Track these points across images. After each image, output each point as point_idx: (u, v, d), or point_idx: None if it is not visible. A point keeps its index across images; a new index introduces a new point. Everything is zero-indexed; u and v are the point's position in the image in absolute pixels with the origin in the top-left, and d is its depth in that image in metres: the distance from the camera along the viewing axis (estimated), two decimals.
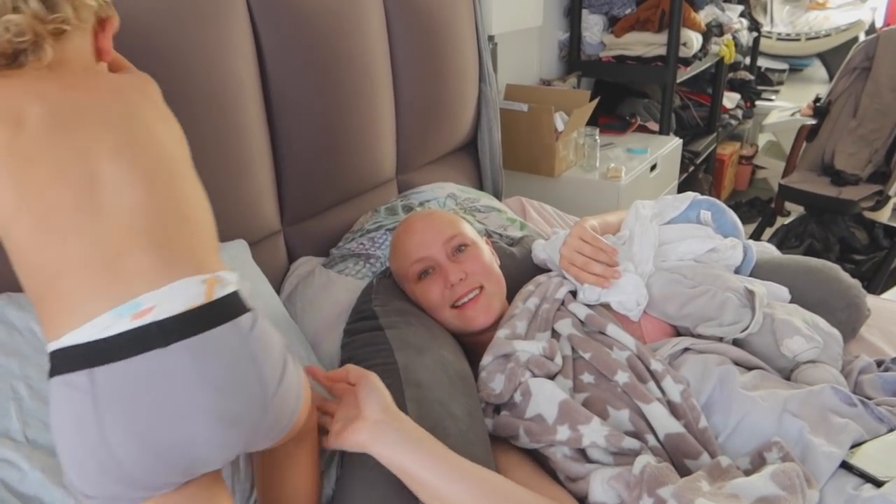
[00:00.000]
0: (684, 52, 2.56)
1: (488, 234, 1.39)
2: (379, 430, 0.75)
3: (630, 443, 0.83)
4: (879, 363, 1.02)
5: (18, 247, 0.64)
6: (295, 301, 1.26)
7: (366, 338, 1.03)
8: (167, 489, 0.65)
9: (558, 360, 0.96)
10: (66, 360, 0.61)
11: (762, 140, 3.96)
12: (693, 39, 2.58)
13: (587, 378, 0.94)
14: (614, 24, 2.59)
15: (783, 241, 2.72)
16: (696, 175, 3.14)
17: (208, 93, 1.11)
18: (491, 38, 1.89)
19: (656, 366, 0.93)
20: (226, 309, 0.66)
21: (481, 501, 0.72)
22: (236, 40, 1.16)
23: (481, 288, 1.08)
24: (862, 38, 3.97)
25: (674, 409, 0.88)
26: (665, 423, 0.86)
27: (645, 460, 0.77)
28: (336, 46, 1.33)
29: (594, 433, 0.83)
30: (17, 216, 0.63)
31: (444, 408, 0.87)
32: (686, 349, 0.99)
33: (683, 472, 0.80)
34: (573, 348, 0.99)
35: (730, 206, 1.23)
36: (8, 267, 0.65)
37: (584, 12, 2.60)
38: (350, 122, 1.40)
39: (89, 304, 0.62)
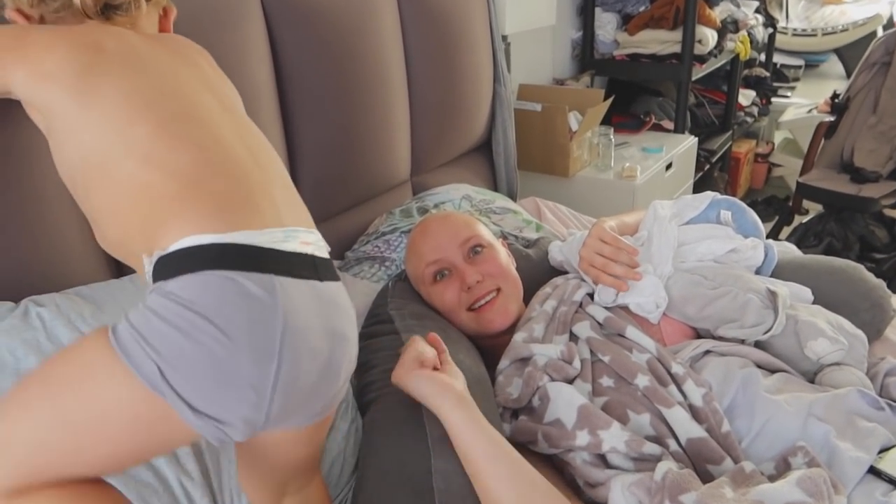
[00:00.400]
0: (699, 50, 2.53)
1: (504, 236, 1.38)
2: (462, 405, 0.80)
3: (651, 448, 0.81)
4: None
5: (140, 152, 0.62)
6: None
7: (382, 341, 1.03)
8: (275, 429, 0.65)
9: (577, 363, 0.95)
10: (241, 259, 0.58)
11: (778, 137, 3.91)
12: (708, 36, 2.55)
13: (606, 382, 0.93)
14: (628, 22, 2.57)
15: (802, 239, 2.68)
16: (712, 174, 3.11)
17: None
18: (504, 37, 1.88)
19: (677, 369, 0.92)
20: (332, 269, 0.70)
21: (524, 496, 0.74)
22: (252, 44, 1.16)
23: (498, 290, 1.07)
24: (880, 32, 3.92)
25: (696, 414, 0.87)
26: (687, 428, 0.85)
27: (667, 466, 0.76)
28: (350, 48, 1.33)
29: (614, 438, 0.82)
30: (137, 118, 0.63)
31: None
32: (707, 351, 0.97)
33: (706, 477, 0.79)
34: (592, 351, 0.97)
35: (746, 205, 1.22)
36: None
37: (598, 10, 2.58)
38: (365, 124, 1.40)
39: (251, 214, 0.62)
